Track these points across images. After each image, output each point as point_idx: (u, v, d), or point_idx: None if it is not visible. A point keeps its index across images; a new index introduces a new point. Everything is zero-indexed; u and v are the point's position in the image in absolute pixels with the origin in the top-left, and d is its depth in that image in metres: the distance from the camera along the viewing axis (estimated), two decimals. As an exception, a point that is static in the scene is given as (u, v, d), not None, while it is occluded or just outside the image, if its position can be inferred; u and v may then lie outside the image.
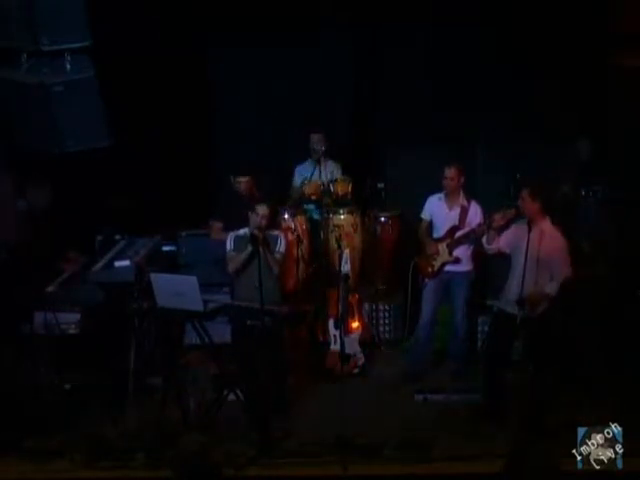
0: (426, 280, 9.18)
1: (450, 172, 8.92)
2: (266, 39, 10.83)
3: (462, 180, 8.98)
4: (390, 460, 7.58)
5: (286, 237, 8.77)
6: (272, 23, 10.66)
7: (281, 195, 10.33)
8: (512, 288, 8.02)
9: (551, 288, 7.92)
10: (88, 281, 8.62)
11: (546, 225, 8.00)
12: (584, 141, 9.95)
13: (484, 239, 8.41)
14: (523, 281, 7.79)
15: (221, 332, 8.42)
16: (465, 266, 9.03)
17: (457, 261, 9.00)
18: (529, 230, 7.88)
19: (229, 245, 8.47)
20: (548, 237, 7.93)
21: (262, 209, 8.31)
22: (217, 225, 9.60)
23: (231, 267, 8.39)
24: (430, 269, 9.09)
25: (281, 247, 8.45)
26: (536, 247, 7.87)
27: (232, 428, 7.94)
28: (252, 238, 8.15)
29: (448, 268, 9.04)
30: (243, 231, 8.42)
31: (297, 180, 10.48)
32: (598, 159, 9.88)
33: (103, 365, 8.43)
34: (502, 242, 8.24)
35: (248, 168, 9.74)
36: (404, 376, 9.19)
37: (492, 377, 8.21)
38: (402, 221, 10.29)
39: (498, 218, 8.27)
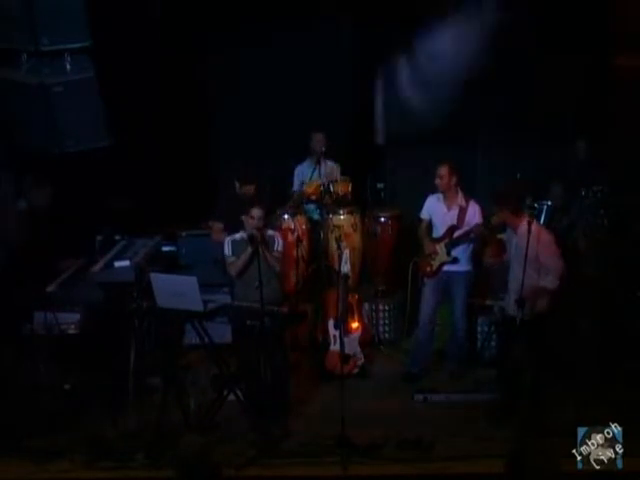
0: (425, 280, 9.19)
1: (440, 170, 8.93)
2: (266, 39, 10.84)
3: (454, 179, 8.96)
4: (390, 460, 7.57)
5: (283, 237, 8.75)
6: (272, 23, 10.67)
7: (281, 196, 10.32)
8: (511, 290, 8.12)
9: (548, 282, 7.98)
10: (88, 281, 8.62)
11: (524, 225, 8.09)
12: (580, 141, 9.96)
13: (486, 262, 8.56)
14: (523, 282, 7.85)
15: (221, 332, 8.43)
16: (464, 266, 9.03)
17: (455, 261, 9.00)
18: (514, 235, 8.10)
19: (227, 250, 8.45)
20: (533, 235, 7.99)
21: (256, 212, 8.28)
22: (217, 226, 9.60)
23: (233, 271, 8.36)
24: (429, 268, 9.10)
25: (279, 247, 8.43)
26: (524, 247, 7.96)
27: (232, 428, 7.94)
28: (251, 239, 8.14)
29: (447, 268, 9.05)
30: (239, 235, 8.40)
31: (297, 181, 10.49)
32: (598, 159, 9.88)
33: (103, 365, 8.43)
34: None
35: (253, 176, 9.70)
36: (404, 376, 9.19)
37: (509, 378, 8.24)
38: (402, 221, 10.30)
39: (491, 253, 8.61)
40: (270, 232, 8.51)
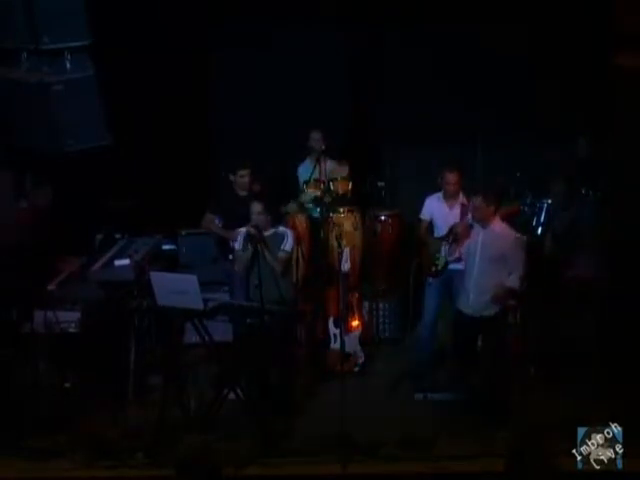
0: (429, 279, 9.18)
1: (452, 177, 8.90)
2: (266, 38, 10.83)
3: (461, 182, 8.99)
4: (390, 459, 7.58)
5: (294, 235, 8.68)
6: (271, 23, 10.66)
7: (283, 194, 10.30)
8: (469, 290, 8.26)
9: (513, 282, 8.08)
10: (88, 280, 8.62)
11: (497, 225, 8.27)
12: (582, 139, 9.95)
13: (445, 250, 8.69)
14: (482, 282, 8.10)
15: (222, 331, 8.43)
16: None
17: (459, 260, 9.00)
18: (480, 232, 8.25)
19: (238, 244, 8.43)
20: (499, 236, 8.19)
21: (256, 207, 8.24)
22: (209, 216, 9.53)
23: (237, 267, 8.35)
24: (434, 268, 9.08)
25: (287, 245, 8.37)
26: (489, 247, 8.17)
27: (232, 427, 7.94)
28: (249, 237, 8.13)
29: (450, 267, 9.04)
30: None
31: (301, 180, 10.45)
32: (599, 158, 9.88)
33: (103, 364, 8.43)
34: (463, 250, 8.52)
35: (247, 162, 9.60)
36: (404, 375, 9.19)
37: (463, 377, 8.31)
38: (402, 220, 10.29)
39: (461, 230, 8.56)
40: (282, 229, 8.44)
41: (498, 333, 8.24)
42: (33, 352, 8.21)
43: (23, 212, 8.76)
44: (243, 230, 8.44)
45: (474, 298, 8.25)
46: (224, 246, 9.30)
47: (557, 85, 10.49)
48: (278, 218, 8.87)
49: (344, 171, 10.29)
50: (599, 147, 9.94)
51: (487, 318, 8.22)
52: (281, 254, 8.30)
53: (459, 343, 8.53)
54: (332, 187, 10.19)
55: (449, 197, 9.01)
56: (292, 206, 10.03)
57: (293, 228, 9.65)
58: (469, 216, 8.92)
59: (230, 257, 9.06)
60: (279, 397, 8.26)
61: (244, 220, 8.46)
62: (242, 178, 9.33)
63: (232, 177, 9.44)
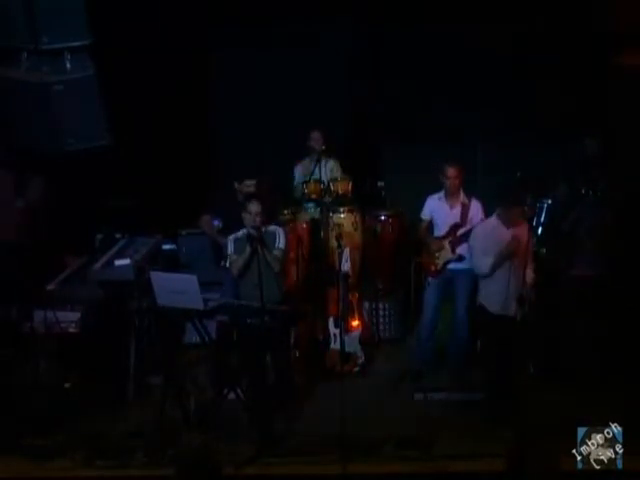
0: (429, 278, 9.19)
1: (452, 171, 8.93)
2: (266, 38, 10.84)
3: (461, 178, 9.00)
4: (390, 458, 7.58)
5: (286, 232, 8.67)
6: (271, 23, 10.67)
7: (282, 194, 10.32)
8: (498, 290, 8.21)
9: (529, 277, 8.10)
10: (88, 280, 8.62)
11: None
12: (588, 140, 9.95)
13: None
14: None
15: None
16: (468, 264, 9.01)
17: (460, 259, 9.00)
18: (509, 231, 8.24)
19: (230, 249, 8.40)
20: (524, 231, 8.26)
21: (254, 206, 8.21)
22: (205, 217, 9.53)
23: (234, 271, 8.31)
24: (433, 267, 9.09)
25: (280, 243, 8.35)
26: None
27: (232, 427, 7.94)
28: (249, 238, 8.12)
29: (451, 266, 9.05)
30: (242, 232, 8.32)
31: (297, 178, 10.47)
32: (598, 158, 9.88)
33: (103, 364, 8.43)
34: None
35: (254, 171, 9.61)
36: (404, 374, 9.19)
37: (493, 377, 8.27)
38: (402, 220, 10.29)
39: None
40: (272, 227, 8.43)
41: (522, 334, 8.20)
42: (33, 352, 8.21)
43: (23, 212, 8.76)
44: (232, 236, 8.44)
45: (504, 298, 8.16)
46: (219, 249, 9.30)
47: (557, 85, 10.50)
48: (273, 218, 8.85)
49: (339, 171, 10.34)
50: (599, 147, 9.95)
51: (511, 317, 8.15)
52: (276, 252, 8.28)
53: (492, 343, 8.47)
54: (332, 187, 10.21)
55: (450, 196, 9.02)
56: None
57: (292, 228, 9.68)
58: (470, 217, 8.95)
59: (222, 263, 9.08)
60: (279, 397, 8.26)
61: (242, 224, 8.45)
62: (249, 188, 9.31)
63: (237, 185, 9.43)
